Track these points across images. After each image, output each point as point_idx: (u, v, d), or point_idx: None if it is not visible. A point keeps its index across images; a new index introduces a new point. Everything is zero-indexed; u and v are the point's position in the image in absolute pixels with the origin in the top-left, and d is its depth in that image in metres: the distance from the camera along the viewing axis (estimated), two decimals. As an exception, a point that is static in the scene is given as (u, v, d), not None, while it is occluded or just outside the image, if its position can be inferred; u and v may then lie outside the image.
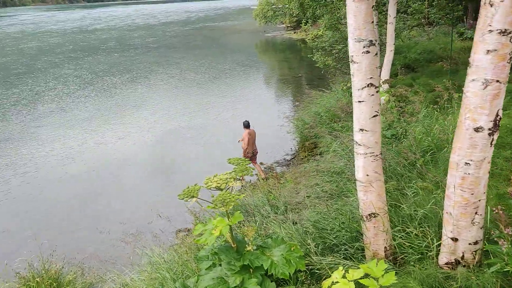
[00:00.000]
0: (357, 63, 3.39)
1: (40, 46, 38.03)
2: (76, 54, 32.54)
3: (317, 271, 3.91)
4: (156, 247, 5.81)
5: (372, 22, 3.27)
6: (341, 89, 12.34)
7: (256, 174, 10.34)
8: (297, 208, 6.28)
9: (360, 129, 3.58)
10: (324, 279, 3.89)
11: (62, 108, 18.23)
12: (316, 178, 6.87)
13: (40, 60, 30.55)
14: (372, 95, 3.45)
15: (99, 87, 21.62)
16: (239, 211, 3.34)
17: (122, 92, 20.62)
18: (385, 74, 11.31)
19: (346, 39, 14.31)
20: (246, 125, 10.29)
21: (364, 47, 3.31)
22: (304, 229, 4.61)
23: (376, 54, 3.40)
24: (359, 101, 3.50)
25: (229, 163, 3.50)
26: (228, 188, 3.21)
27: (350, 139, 6.50)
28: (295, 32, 38.63)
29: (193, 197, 3.20)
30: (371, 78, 3.40)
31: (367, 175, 3.70)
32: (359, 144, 3.64)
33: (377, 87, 3.47)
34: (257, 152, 10.53)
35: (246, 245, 3.51)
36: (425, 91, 7.97)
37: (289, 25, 41.84)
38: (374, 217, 3.79)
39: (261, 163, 11.12)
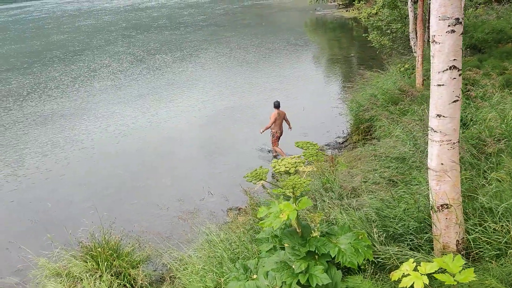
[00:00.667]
0: (439, 43, 3.13)
1: (95, 24, 39.36)
2: (129, 32, 33.37)
3: (380, 260, 3.79)
4: (212, 225, 5.88)
5: (462, -2, 3.00)
6: (398, 71, 11.79)
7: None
8: (353, 193, 6.10)
9: (437, 115, 3.35)
10: (388, 269, 3.76)
11: (116, 85, 18.84)
12: (373, 163, 6.63)
13: (95, 38, 31.64)
14: (454, 78, 3.20)
15: (151, 65, 22.11)
16: (306, 196, 3.26)
17: (173, 70, 20.96)
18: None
19: (405, 17, 13.57)
20: (277, 105, 10.40)
21: (449, 25, 3.05)
22: (366, 216, 4.46)
23: (462, 33, 3.12)
24: (439, 85, 3.26)
25: (297, 146, 3.41)
26: (298, 173, 3.13)
27: (415, 124, 6.19)
28: (347, 10, 37.18)
29: (261, 179, 3.15)
30: (454, 60, 3.15)
31: (442, 163, 3.48)
32: (435, 131, 3.42)
33: (460, 69, 3.21)
34: (281, 134, 10.57)
35: (312, 231, 3.44)
36: (495, 74, 7.40)
37: (340, 2, 40.33)
38: (447, 208, 3.58)
39: (312, 145, 10.96)
